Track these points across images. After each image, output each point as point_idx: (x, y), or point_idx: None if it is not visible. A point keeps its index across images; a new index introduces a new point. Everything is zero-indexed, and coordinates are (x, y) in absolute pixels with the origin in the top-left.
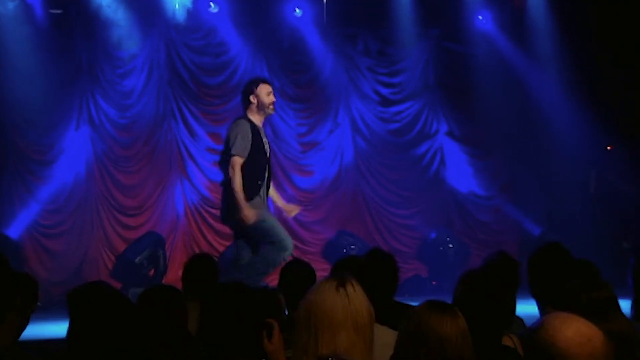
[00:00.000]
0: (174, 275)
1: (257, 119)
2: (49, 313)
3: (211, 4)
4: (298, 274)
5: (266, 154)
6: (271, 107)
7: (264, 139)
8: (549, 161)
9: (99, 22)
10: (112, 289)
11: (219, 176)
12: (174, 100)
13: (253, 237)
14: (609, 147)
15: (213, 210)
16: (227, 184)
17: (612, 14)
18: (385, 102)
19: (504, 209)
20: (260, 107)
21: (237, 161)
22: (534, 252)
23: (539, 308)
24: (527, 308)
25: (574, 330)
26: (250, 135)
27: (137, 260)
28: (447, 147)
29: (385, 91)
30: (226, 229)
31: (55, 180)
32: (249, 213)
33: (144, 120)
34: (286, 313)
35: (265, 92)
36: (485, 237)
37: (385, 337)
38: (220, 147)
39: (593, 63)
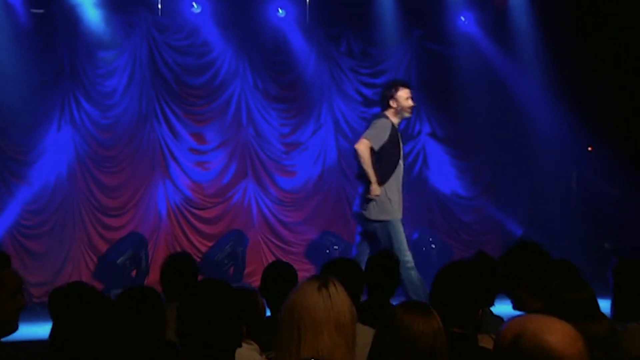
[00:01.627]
0: (156, 276)
1: (394, 121)
2: (29, 314)
3: (194, 4)
4: (279, 275)
5: (400, 157)
6: (409, 110)
7: (401, 143)
8: (531, 162)
9: (80, 22)
10: (94, 289)
11: (201, 177)
12: (157, 101)
13: (377, 237)
14: (589, 148)
15: (195, 211)
16: (362, 176)
17: (594, 15)
18: (368, 102)
19: (486, 209)
20: (399, 110)
21: (365, 142)
22: (507, 251)
23: (515, 307)
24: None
25: (561, 331)
26: (388, 133)
27: (119, 261)
28: (429, 148)
29: (367, 92)
30: (209, 230)
31: (37, 181)
32: (376, 187)
33: (126, 120)
34: (268, 314)
35: (405, 97)
36: (468, 238)
37: (368, 337)
38: (203, 147)
39: (575, 64)
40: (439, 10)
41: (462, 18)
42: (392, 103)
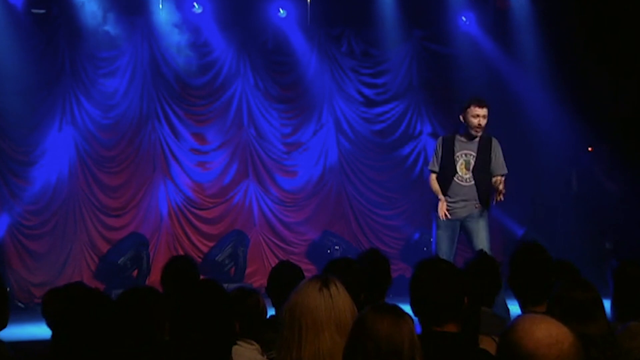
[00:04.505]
0: (157, 276)
1: (464, 136)
2: (31, 314)
3: (195, 4)
4: (287, 276)
5: (454, 169)
6: (476, 129)
7: (458, 154)
8: (532, 161)
9: (81, 22)
10: (92, 289)
11: (202, 177)
12: (158, 101)
13: None
14: (590, 149)
15: (197, 211)
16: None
17: (595, 16)
18: (369, 102)
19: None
20: (465, 127)
21: (430, 175)
22: (514, 251)
23: (520, 308)
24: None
25: (543, 331)
26: (440, 150)
27: (120, 261)
28: (430, 148)
29: (369, 92)
30: (210, 230)
31: (38, 181)
32: (441, 205)
33: (127, 120)
34: (274, 314)
35: (471, 115)
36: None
37: None
38: (204, 147)
39: (575, 64)
40: (440, 10)
41: (463, 18)
42: (460, 118)
